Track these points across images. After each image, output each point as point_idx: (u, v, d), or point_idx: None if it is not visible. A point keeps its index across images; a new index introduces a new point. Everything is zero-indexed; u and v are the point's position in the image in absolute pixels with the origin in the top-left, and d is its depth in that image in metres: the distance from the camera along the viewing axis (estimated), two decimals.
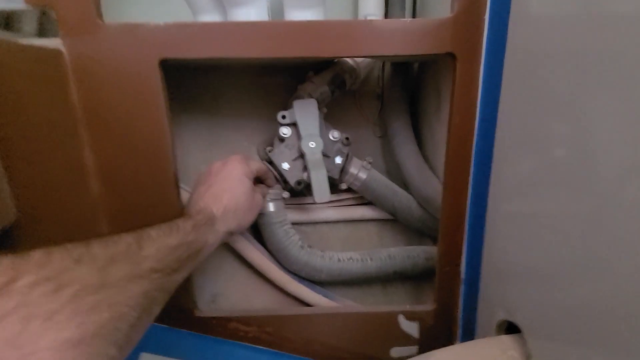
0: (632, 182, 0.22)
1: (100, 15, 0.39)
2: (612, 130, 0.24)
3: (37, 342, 0.17)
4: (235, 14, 0.43)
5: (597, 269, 0.25)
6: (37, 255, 0.19)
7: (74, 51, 0.39)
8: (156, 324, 0.48)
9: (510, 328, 0.37)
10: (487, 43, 0.40)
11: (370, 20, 0.41)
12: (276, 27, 0.39)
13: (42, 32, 0.56)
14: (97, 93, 0.40)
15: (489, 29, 0.39)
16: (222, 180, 0.41)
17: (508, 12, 0.37)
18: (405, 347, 0.50)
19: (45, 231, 0.35)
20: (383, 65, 0.64)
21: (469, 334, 0.47)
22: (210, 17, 0.46)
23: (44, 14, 0.42)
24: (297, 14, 0.44)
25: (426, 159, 0.59)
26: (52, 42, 0.39)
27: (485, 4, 0.39)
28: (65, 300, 0.18)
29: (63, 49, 0.39)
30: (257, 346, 0.49)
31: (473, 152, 0.43)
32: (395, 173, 0.62)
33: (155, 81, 0.40)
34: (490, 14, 0.39)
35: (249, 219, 0.43)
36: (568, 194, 0.28)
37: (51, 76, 0.38)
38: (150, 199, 0.44)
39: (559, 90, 0.30)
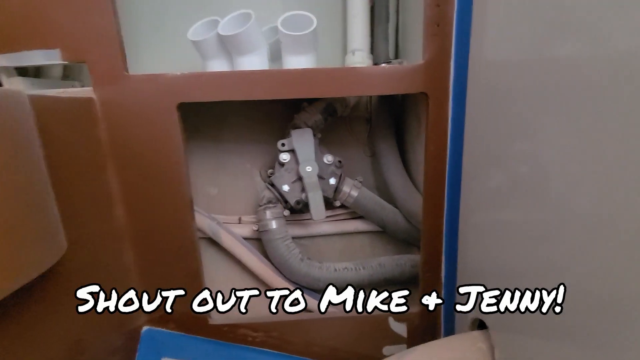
0: (580, 193, 0.27)
1: (126, 68, 0.46)
2: (559, 150, 0.29)
3: None
4: (241, 61, 0.50)
5: (550, 272, 0.31)
6: None
7: (103, 98, 0.46)
8: (174, 331, 0.54)
9: (482, 325, 0.44)
10: (453, 84, 0.47)
11: (355, 67, 0.48)
12: (276, 75, 0.46)
13: (66, 76, 0.63)
14: (123, 133, 0.47)
15: (454, 72, 0.47)
16: None
17: (468, 58, 0.45)
18: (396, 346, 0.56)
19: (82, 257, 0.41)
20: None
21: (450, 331, 0.53)
22: (218, 62, 0.53)
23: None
24: (292, 59, 0.51)
25: (410, 176, 0.66)
26: (85, 92, 0.46)
27: (450, 52, 0.46)
28: None
29: (94, 96, 0.46)
30: (264, 349, 0.55)
31: (446, 173, 0.50)
32: (384, 189, 0.69)
33: (174, 122, 0.47)
34: (454, 60, 0.47)
35: None
36: (523, 206, 0.35)
37: (84, 120, 0.45)
38: (169, 223, 0.50)
39: (510, 120, 0.36)
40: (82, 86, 0.49)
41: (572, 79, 0.28)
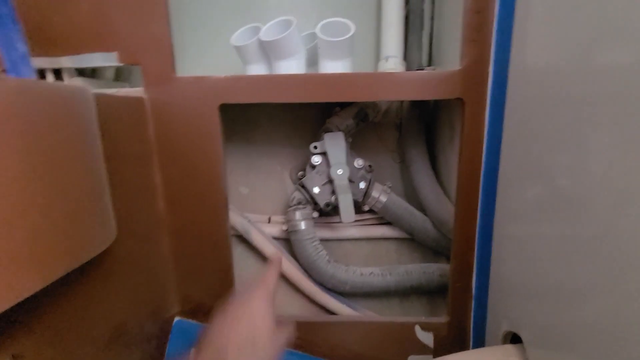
0: (627, 210, 0.26)
1: (174, 70, 0.49)
2: (605, 163, 0.28)
3: None
4: (280, 65, 0.52)
5: (593, 288, 0.30)
6: None
7: (153, 98, 0.49)
8: (203, 324, 0.56)
9: (514, 338, 0.42)
10: (491, 90, 0.47)
11: (392, 72, 0.49)
12: (315, 79, 0.48)
13: (117, 78, 0.68)
14: (168, 130, 0.50)
15: (492, 79, 0.46)
16: (246, 326, 0.34)
17: (508, 65, 0.44)
18: (421, 356, 0.55)
19: (128, 245, 0.44)
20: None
21: (479, 344, 0.51)
22: (258, 67, 0.55)
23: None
24: (329, 64, 0.53)
25: (441, 183, 0.65)
26: (137, 92, 0.49)
27: (489, 58, 0.46)
28: None
29: (145, 96, 0.49)
30: (288, 349, 0.56)
31: (481, 182, 0.49)
32: (413, 196, 0.68)
33: (215, 121, 0.49)
34: (493, 66, 0.46)
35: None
36: (565, 220, 0.34)
37: (135, 117, 0.48)
38: (205, 218, 0.53)
39: (552, 129, 0.35)
40: (132, 87, 0.53)
41: (621, 87, 0.27)
